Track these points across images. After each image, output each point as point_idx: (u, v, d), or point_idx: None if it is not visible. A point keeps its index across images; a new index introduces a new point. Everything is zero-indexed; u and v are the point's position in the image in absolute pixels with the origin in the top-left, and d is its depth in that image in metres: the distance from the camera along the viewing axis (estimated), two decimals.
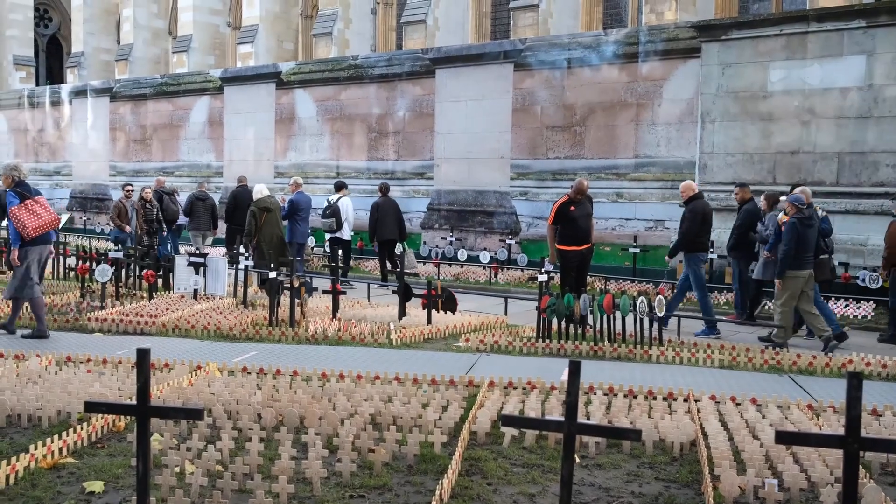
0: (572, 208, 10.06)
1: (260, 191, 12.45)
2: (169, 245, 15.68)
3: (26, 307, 8.86)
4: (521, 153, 15.84)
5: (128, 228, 13.95)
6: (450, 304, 10.28)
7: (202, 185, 16.55)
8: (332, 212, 13.59)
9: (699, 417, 5.62)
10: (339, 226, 13.69)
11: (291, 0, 30.17)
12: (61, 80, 37.93)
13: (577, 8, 23.74)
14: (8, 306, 8.95)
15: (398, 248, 14.37)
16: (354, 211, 14.76)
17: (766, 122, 12.96)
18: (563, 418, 3.26)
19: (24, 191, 8.23)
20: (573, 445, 3.25)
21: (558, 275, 10.85)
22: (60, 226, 22.58)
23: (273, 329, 8.93)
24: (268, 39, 29.03)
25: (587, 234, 10.29)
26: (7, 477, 4.30)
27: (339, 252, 14.00)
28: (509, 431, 5.23)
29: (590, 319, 8.63)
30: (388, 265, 14.01)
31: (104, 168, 24.21)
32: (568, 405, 3.22)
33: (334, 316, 9.69)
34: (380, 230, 13.89)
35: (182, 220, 16.06)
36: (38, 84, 39.34)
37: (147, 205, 14.04)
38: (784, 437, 3.24)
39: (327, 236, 13.90)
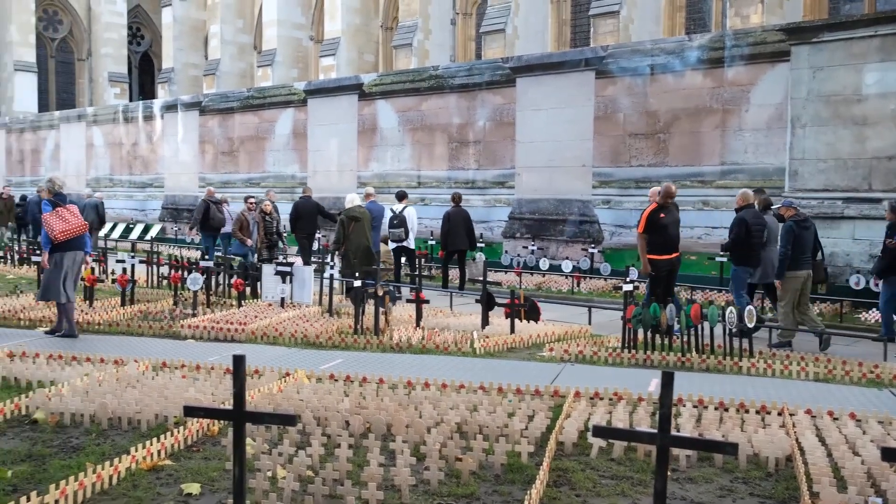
0: (662, 215, 9.88)
1: (351, 200, 12.67)
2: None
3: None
4: (604, 161, 15.67)
5: (249, 242, 14.21)
6: (533, 314, 10.24)
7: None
8: (400, 221, 13.76)
9: (794, 432, 5.45)
10: (408, 235, 13.87)
11: (372, 13, 30.68)
12: (153, 96, 39.42)
13: (659, 13, 23.43)
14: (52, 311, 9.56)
15: (480, 258, 14.41)
16: (430, 220, 14.86)
17: (860, 126, 12.50)
18: (655, 430, 3.21)
19: (57, 200, 8.91)
20: (667, 458, 3.19)
21: (642, 284, 10.68)
22: (144, 235, 23.50)
23: (358, 337, 9.05)
24: (349, 52, 29.59)
25: (676, 243, 10.09)
26: (110, 477, 4.48)
27: (404, 260, 14.27)
28: (597, 442, 5.17)
29: (676, 329, 8.47)
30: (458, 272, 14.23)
31: (194, 180, 25.00)
32: (661, 417, 3.16)
33: (418, 324, 9.76)
34: (450, 240, 14.01)
35: (228, 227, 16.49)
36: (131, 99, 41.02)
37: (267, 217, 14.20)
38: (890, 454, 3.11)
39: (391, 245, 14.09)
